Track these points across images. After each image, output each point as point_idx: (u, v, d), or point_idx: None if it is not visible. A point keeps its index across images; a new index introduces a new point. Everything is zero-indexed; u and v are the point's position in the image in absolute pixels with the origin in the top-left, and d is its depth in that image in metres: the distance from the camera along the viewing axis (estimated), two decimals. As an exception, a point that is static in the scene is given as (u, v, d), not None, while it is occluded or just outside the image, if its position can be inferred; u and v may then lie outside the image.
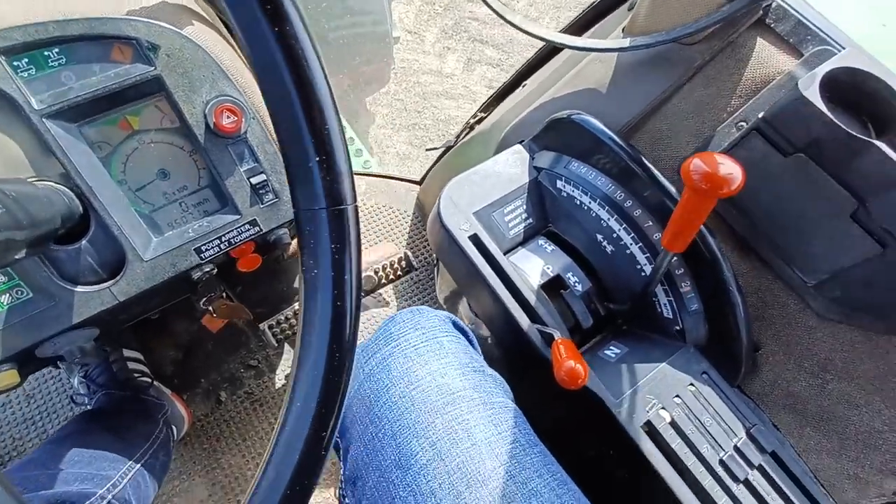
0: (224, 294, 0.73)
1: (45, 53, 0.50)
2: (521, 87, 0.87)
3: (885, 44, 0.60)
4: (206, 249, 0.60)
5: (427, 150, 1.97)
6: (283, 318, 1.03)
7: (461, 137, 1.06)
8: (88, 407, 0.86)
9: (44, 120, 0.50)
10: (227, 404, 1.02)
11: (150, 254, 0.57)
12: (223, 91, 0.57)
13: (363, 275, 1.08)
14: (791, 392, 0.57)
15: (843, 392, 0.54)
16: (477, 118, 1.00)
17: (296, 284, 1.11)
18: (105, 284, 0.56)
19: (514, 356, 0.64)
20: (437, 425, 0.42)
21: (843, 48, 0.52)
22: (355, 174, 1.35)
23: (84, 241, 0.54)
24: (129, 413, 0.83)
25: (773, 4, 0.55)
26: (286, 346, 1.09)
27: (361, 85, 2.18)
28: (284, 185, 0.62)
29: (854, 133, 0.46)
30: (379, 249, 1.16)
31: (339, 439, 0.51)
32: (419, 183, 1.31)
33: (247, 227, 0.61)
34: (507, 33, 2.63)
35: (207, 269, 0.64)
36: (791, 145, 0.50)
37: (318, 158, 0.23)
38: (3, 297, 0.53)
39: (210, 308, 0.72)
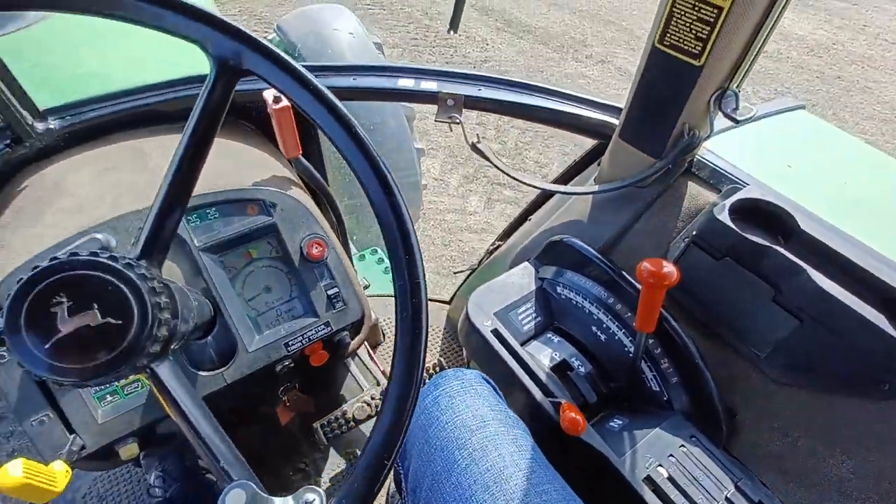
0: (296, 386, 0.90)
1: (207, 211, 0.77)
2: (528, 221, 1.12)
3: (791, 180, 0.83)
4: (292, 344, 0.79)
5: (454, 272, 2.22)
6: (332, 418, 1.16)
7: (483, 262, 1.29)
8: (159, 499, 0.98)
9: (200, 253, 0.74)
10: (278, 506, 1.10)
11: (254, 347, 0.77)
12: (314, 230, 0.82)
13: (402, 379, 1.23)
14: (770, 452, 0.68)
15: (810, 447, 0.65)
16: (495, 246, 1.24)
17: (342, 391, 1.26)
18: (219, 370, 0.74)
19: (534, 429, 0.77)
20: (473, 441, 0.57)
21: (747, 184, 0.74)
22: (392, 296, 1.58)
23: (210, 337, 0.75)
24: (200, 501, 0.94)
25: (695, 159, 0.80)
26: (331, 451, 1.20)
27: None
28: (351, 295, 0.84)
29: (757, 241, 0.66)
30: (415, 359, 1.33)
31: (398, 463, 0.64)
32: (448, 302, 1.52)
33: (322, 326, 0.81)
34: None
35: (287, 363, 0.82)
36: (719, 252, 0.69)
37: (406, 257, 0.44)
38: (149, 379, 0.72)
39: (285, 398, 0.88)
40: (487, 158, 0.93)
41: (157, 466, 1.04)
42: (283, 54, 0.43)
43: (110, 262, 0.36)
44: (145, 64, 1.19)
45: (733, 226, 0.67)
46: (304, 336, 0.81)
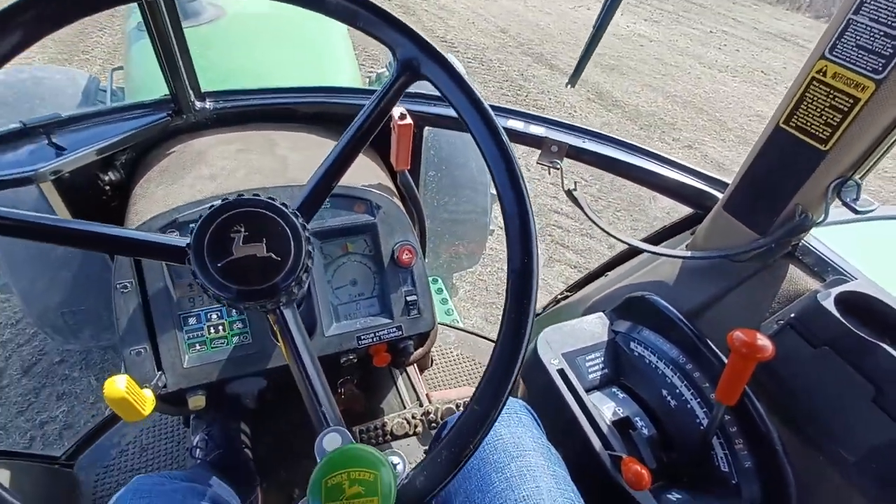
0: (354, 381, 0.92)
1: (320, 206, 0.84)
2: (604, 276, 1.12)
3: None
4: (363, 339, 0.83)
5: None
6: (372, 427, 1.16)
7: (547, 309, 1.29)
8: (199, 461, 1.01)
9: None
10: None
11: (330, 332, 0.81)
12: (407, 238, 0.86)
13: (445, 406, 1.23)
14: (849, 569, 0.61)
15: (899, 575, 0.58)
16: (564, 295, 1.24)
17: (382, 405, 1.27)
18: None
19: (581, 478, 0.74)
20: (512, 467, 0.57)
21: (856, 278, 0.72)
22: (449, 326, 1.59)
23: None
24: (235, 471, 0.96)
25: (800, 243, 0.78)
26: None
27: (455, 261, 2.55)
28: (427, 306, 0.87)
29: (863, 335, 0.62)
30: (460, 390, 1.32)
31: None
32: (500, 343, 1.51)
33: (394, 329, 0.85)
34: (587, 242, 3.03)
35: (352, 357, 0.85)
36: (818, 339, 0.67)
37: (525, 259, 0.46)
38: (235, 338, 0.77)
39: (341, 390, 0.91)
40: (581, 208, 0.96)
41: (203, 429, 1.08)
42: (457, 67, 0.48)
43: (282, 208, 0.41)
44: (288, 70, 1.35)
45: (840, 316, 0.64)
46: (376, 334, 0.84)
